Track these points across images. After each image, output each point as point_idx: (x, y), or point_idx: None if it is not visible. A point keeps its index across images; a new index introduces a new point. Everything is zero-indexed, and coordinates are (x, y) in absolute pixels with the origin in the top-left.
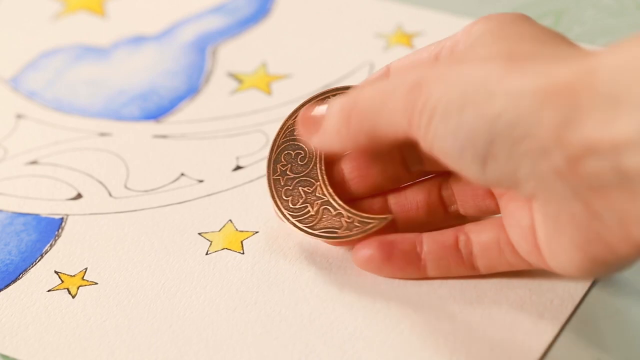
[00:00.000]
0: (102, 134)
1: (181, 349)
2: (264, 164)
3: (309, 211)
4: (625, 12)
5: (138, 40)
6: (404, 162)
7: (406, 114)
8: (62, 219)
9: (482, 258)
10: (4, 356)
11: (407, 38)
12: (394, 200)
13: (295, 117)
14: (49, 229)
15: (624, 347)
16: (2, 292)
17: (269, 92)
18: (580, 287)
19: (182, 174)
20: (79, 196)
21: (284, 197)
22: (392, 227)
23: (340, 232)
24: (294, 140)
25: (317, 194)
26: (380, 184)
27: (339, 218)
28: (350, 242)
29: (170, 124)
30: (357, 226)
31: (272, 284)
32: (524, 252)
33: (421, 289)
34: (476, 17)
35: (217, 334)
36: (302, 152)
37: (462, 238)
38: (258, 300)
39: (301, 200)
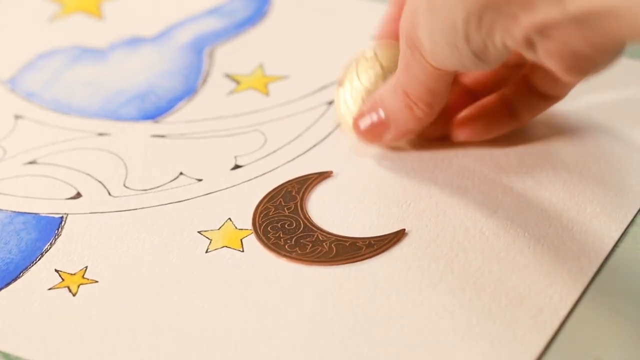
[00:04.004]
0: (101, 134)
1: (182, 346)
2: (263, 163)
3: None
4: None
5: (135, 41)
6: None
7: (409, 45)
8: (61, 217)
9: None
10: (5, 354)
11: None
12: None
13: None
14: (49, 228)
15: (624, 346)
16: (2, 290)
17: (266, 93)
18: (580, 284)
19: (181, 173)
20: (78, 195)
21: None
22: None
23: (364, 251)
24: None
25: (319, 237)
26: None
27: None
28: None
29: (168, 124)
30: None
31: (271, 281)
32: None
33: (421, 285)
34: None
35: (218, 331)
36: (285, 221)
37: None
38: (258, 297)
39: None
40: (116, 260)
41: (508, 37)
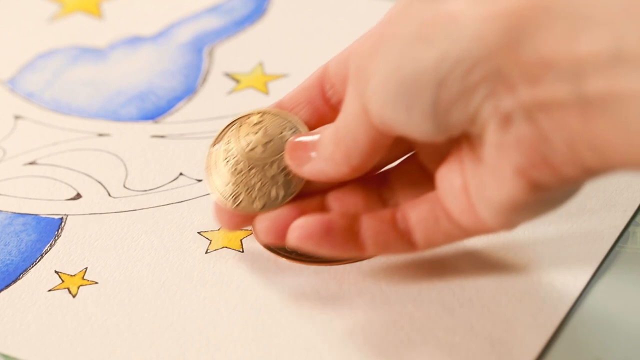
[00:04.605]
0: (101, 135)
1: (182, 347)
2: None
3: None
4: None
5: (135, 41)
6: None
7: (359, 106)
8: (61, 219)
9: (420, 230)
10: (5, 356)
11: None
12: (333, 198)
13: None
14: (49, 229)
15: (624, 346)
16: (2, 292)
17: (266, 91)
18: (580, 282)
19: (181, 174)
20: (78, 196)
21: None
22: None
23: None
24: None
25: None
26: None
27: None
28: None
29: (168, 124)
30: None
31: (271, 282)
32: (457, 213)
33: (421, 285)
34: None
35: (218, 332)
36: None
37: (399, 214)
38: (258, 297)
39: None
40: (116, 262)
41: (490, 104)
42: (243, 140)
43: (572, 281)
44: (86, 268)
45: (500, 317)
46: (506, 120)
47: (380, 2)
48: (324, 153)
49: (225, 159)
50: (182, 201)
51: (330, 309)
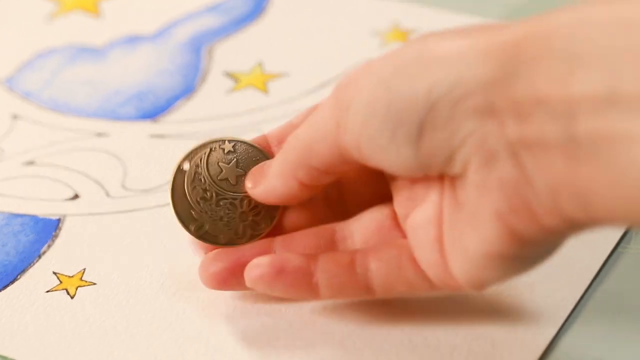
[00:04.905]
0: (99, 134)
1: (181, 348)
2: None
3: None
4: None
5: (133, 40)
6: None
7: (333, 119)
8: (59, 219)
9: (380, 277)
10: (3, 357)
11: (404, 35)
12: (280, 244)
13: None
14: (47, 230)
15: (625, 347)
16: (0, 293)
17: (265, 90)
18: (581, 285)
19: None
20: (76, 196)
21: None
22: None
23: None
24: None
25: None
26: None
27: None
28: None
29: (167, 124)
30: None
31: None
32: (427, 264)
33: None
34: (473, 14)
35: (217, 333)
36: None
37: (359, 257)
38: (258, 299)
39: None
40: (115, 262)
41: (475, 139)
42: (213, 168)
43: (574, 281)
44: (84, 269)
45: (502, 319)
46: (490, 158)
47: (379, 1)
48: (275, 166)
49: (192, 183)
50: None
51: (330, 310)
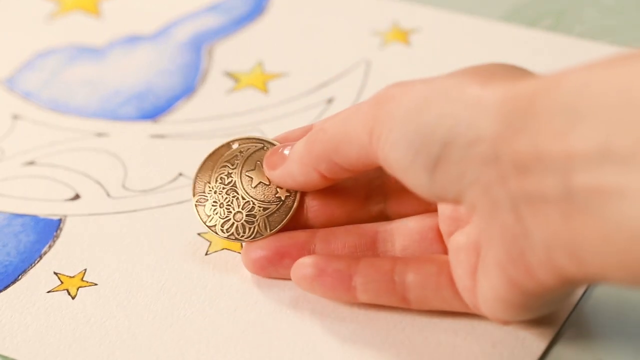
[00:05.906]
0: (99, 134)
1: (182, 349)
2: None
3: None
4: (625, 12)
5: (133, 40)
6: (366, 200)
7: (367, 127)
8: (60, 219)
9: (416, 289)
10: (4, 357)
11: (404, 35)
12: (321, 238)
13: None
14: (48, 230)
15: (626, 347)
16: (1, 293)
17: (265, 90)
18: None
19: (180, 174)
20: (77, 197)
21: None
22: None
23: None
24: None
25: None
26: (338, 217)
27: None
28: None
29: (167, 124)
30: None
31: (272, 283)
32: (463, 288)
33: None
34: (473, 14)
35: (218, 334)
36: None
37: (399, 266)
38: (258, 299)
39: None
40: (115, 263)
41: (481, 184)
42: (250, 162)
43: None
44: (85, 269)
45: None
46: (493, 206)
47: (381, 2)
48: (296, 152)
49: (227, 161)
50: (181, 202)
51: (330, 311)
